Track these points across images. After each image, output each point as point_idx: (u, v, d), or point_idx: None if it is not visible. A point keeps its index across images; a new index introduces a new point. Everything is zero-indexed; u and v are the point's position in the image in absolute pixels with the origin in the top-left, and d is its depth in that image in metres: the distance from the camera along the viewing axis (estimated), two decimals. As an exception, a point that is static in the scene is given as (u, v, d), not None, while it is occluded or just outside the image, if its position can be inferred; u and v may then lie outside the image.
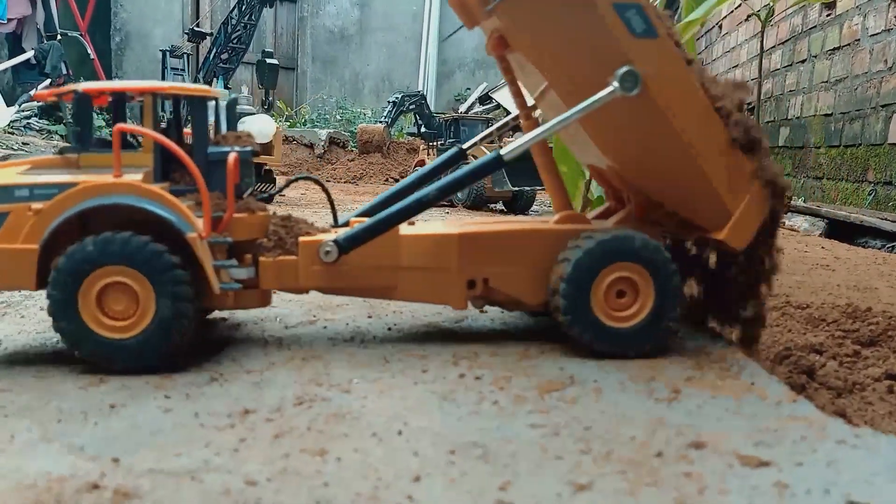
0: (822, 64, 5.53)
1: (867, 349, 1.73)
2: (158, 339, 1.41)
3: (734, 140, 1.51)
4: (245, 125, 5.62)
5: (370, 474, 1.00)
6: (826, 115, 5.44)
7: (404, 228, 1.62)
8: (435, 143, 7.55)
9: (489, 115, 9.24)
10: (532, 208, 6.65)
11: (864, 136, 4.84)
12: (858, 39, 4.96)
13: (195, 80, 8.22)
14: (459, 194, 6.57)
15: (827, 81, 5.44)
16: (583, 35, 1.48)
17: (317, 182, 1.87)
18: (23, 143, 6.61)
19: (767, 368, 1.50)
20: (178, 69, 8.56)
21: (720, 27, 8.35)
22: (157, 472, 1.00)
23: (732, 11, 7.63)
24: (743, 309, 1.64)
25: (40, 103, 7.47)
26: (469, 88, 13.34)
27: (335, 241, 1.56)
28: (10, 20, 9.20)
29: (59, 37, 9.24)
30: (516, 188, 6.23)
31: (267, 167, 6.05)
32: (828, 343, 1.76)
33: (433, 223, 1.81)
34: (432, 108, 10.01)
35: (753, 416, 1.22)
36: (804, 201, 5.42)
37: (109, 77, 11.13)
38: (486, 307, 1.74)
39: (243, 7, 7.89)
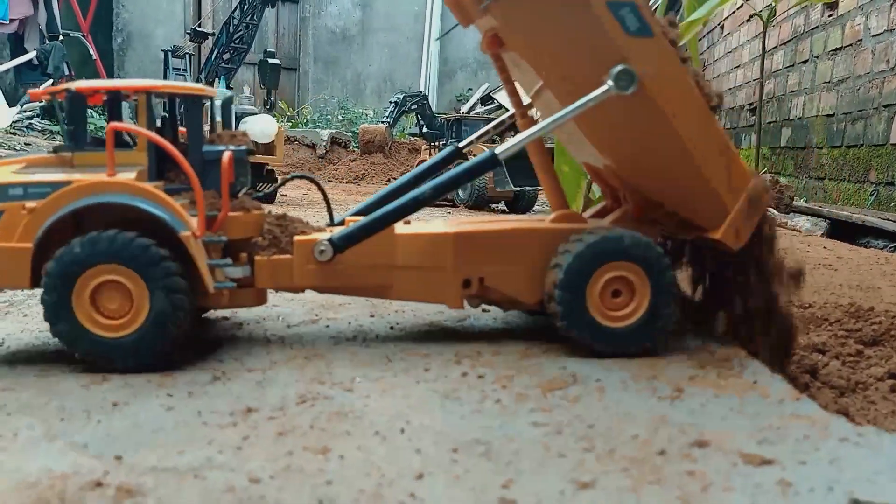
0: (824, 64, 5.53)
1: (870, 348, 1.73)
2: (156, 334, 1.41)
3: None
4: (247, 125, 5.64)
5: (373, 472, 1.00)
6: (828, 115, 5.44)
7: (400, 227, 1.62)
8: (437, 144, 7.56)
9: (491, 116, 9.24)
10: (534, 208, 6.65)
11: (866, 136, 4.84)
12: (860, 40, 4.96)
13: (197, 80, 8.22)
14: (461, 194, 6.58)
15: (829, 82, 5.43)
16: (577, 33, 1.48)
17: (312, 181, 1.87)
18: (25, 144, 6.62)
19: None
20: (180, 69, 8.56)
21: (722, 28, 8.35)
22: (159, 469, 1.00)
23: (734, 12, 7.63)
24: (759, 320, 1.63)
25: (42, 104, 7.48)
26: (471, 89, 13.35)
27: (330, 240, 1.56)
28: (12, 21, 9.22)
29: (61, 37, 9.25)
30: (518, 188, 6.23)
31: (269, 167, 6.05)
32: (830, 342, 1.76)
33: (433, 222, 1.81)
34: (434, 109, 10.02)
35: (756, 414, 1.22)
36: (806, 201, 5.41)
37: (111, 77, 11.14)
38: (489, 306, 1.74)
39: (245, 7, 7.89)
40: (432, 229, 1.65)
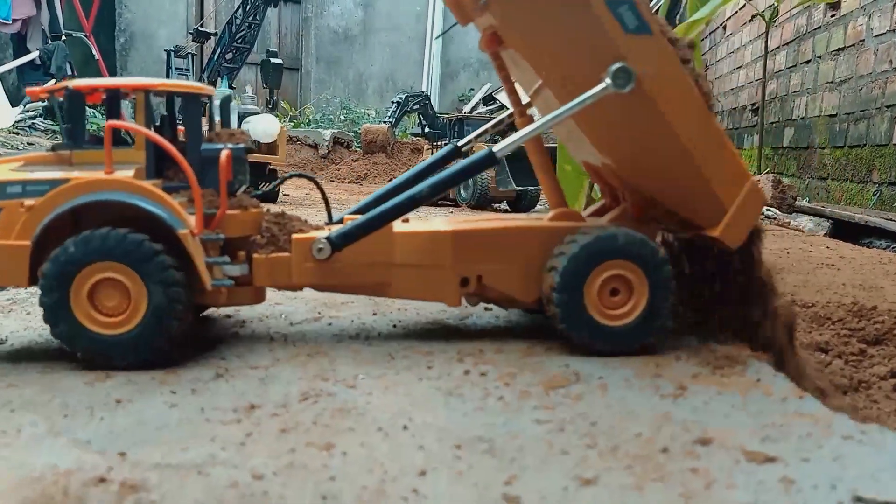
0: (826, 64, 5.52)
1: (873, 347, 1.73)
2: (155, 329, 1.41)
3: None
4: (249, 125, 5.64)
5: (376, 468, 1.00)
6: (831, 115, 5.43)
7: (398, 225, 1.62)
8: (439, 143, 7.56)
9: (493, 116, 9.22)
10: (536, 208, 6.64)
11: (868, 136, 4.84)
12: (863, 40, 4.96)
13: (200, 80, 8.23)
14: (464, 194, 6.58)
15: (831, 82, 5.43)
16: (575, 30, 1.48)
17: (310, 179, 1.87)
18: (28, 143, 6.63)
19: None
20: (182, 69, 8.57)
21: (724, 28, 8.35)
22: (163, 466, 1.00)
23: (737, 12, 7.63)
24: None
25: (44, 103, 7.49)
26: (473, 89, 13.35)
27: (328, 238, 1.56)
28: (14, 21, 9.23)
29: (63, 37, 9.27)
30: (520, 187, 6.23)
31: (271, 167, 6.05)
32: (833, 341, 1.76)
33: (434, 220, 1.81)
34: (436, 109, 10.02)
35: (759, 412, 1.22)
36: (809, 202, 5.41)
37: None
38: (491, 305, 1.74)
39: (247, 7, 7.90)
40: (430, 227, 1.65)
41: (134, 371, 1.40)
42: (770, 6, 5.93)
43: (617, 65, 1.44)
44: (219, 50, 8.18)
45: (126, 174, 1.45)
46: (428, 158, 1.96)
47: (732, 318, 1.65)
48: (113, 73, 11.36)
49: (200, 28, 9.47)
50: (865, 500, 0.92)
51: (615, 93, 1.45)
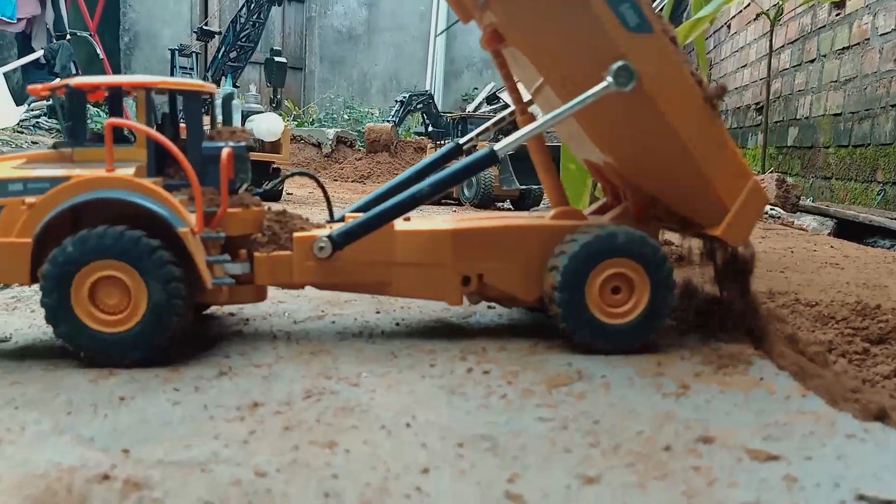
0: (831, 63, 5.51)
1: (876, 347, 1.72)
2: (156, 326, 1.42)
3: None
4: (253, 123, 5.64)
5: (379, 466, 1.00)
6: (835, 114, 5.42)
7: (399, 224, 1.62)
8: (442, 142, 7.55)
9: (496, 115, 9.21)
10: (539, 206, 6.64)
11: (873, 135, 4.83)
12: (868, 39, 4.94)
13: (204, 79, 8.23)
14: (467, 192, 6.58)
15: (836, 81, 5.42)
16: (576, 29, 1.47)
17: (312, 177, 1.87)
18: (32, 142, 6.64)
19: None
20: (186, 68, 8.57)
21: (729, 27, 8.33)
22: (166, 463, 1.00)
23: (741, 11, 7.61)
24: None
25: (49, 102, 7.50)
26: (476, 88, 13.33)
27: (329, 237, 1.56)
28: (19, 20, 9.25)
29: (68, 36, 9.26)
30: (524, 186, 6.22)
31: (275, 166, 6.05)
32: (837, 340, 1.75)
33: (436, 218, 1.81)
34: (440, 108, 10.01)
35: (762, 410, 1.22)
36: (813, 201, 5.40)
37: (118, 76, 11.13)
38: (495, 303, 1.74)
39: (251, 6, 7.90)
40: (431, 226, 1.65)
41: (137, 369, 1.40)
42: (775, 5, 5.92)
43: (618, 63, 1.44)
44: (223, 49, 8.18)
45: (127, 172, 1.45)
46: (429, 156, 1.96)
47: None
48: (117, 73, 11.37)
49: (204, 27, 9.46)
50: (868, 499, 0.92)
51: (617, 91, 1.45)
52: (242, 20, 7.99)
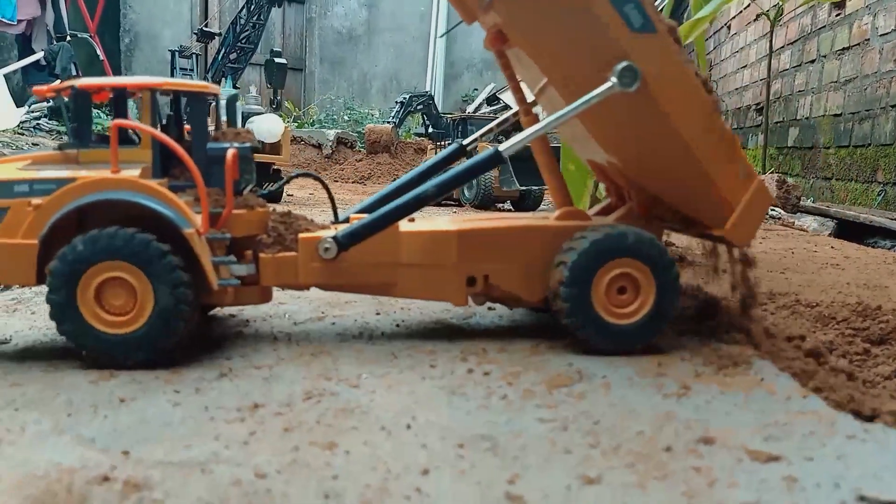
0: (831, 64, 5.51)
1: (877, 347, 1.72)
2: (161, 329, 1.42)
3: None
4: (253, 125, 5.64)
5: (379, 467, 1.00)
6: (835, 115, 5.42)
7: (404, 225, 1.62)
8: (442, 143, 7.55)
9: (497, 116, 9.21)
10: (540, 208, 6.64)
11: (873, 136, 4.82)
12: (868, 39, 4.94)
13: (204, 80, 8.23)
14: (467, 193, 6.57)
15: (836, 81, 5.42)
16: (580, 30, 1.47)
17: (316, 178, 1.87)
18: (33, 144, 6.64)
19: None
20: (186, 69, 8.57)
21: (729, 27, 8.33)
22: (166, 464, 1.00)
23: (741, 12, 7.61)
24: None
25: (50, 104, 7.50)
26: (476, 89, 13.33)
27: (334, 238, 1.56)
28: (19, 21, 9.24)
29: (68, 38, 9.27)
30: (524, 187, 6.22)
31: (275, 167, 6.05)
32: (838, 341, 1.75)
33: (438, 219, 1.81)
34: (440, 109, 10.01)
35: (762, 411, 1.22)
36: (813, 201, 5.40)
37: (118, 78, 11.13)
38: (495, 304, 1.74)
39: (252, 7, 7.91)
40: (437, 227, 1.65)
41: (138, 370, 1.40)
42: (775, 5, 5.92)
43: (623, 63, 1.44)
44: (223, 50, 8.18)
45: (132, 173, 1.45)
46: (432, 158, 1.96)
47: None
48: (117, 74, 11.37)
49: (205, 28, 9.47)
50: (869, 499, 0.92)
51: (621, 92, 1.45)
52: (242, 21, 8.00)
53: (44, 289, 1.43)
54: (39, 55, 8.87)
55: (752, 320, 1.65)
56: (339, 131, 10.87)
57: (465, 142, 1.95)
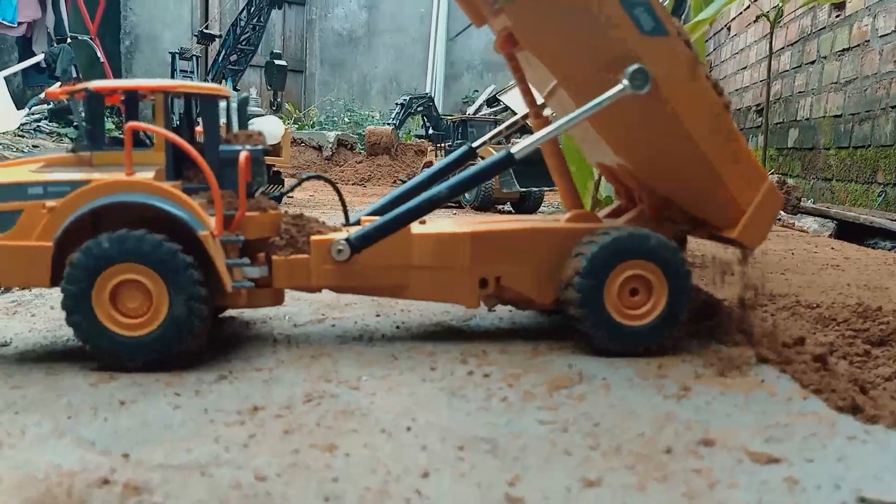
0: (831, 65, 5.51)
1: (877, 348, 1.72)
2: (171, 338, 1.42)
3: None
4: (254, 126, 5.64)
5: (379, 469, 1.00)
6: (835, 116, 5.42)
7: (416, 227, 1.62)
8: (443, 145, 7.55)
9: (497, 118, 9.22)
10: (540, 209, 6.64)
11: (873, 137, 4.82)
12: (868, 40, 4.94)
13: (204, 82, 8.22)
14: (467, 195, 6.57)
15: (836, 82, 5.42)
16: (591, 33, 1.48)
17: (327, 181, 1.87)
18: (33, 146, 6.64)
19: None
20: (187, 71, 8.57)
21: (729, 29, 8.33)
22: (166, 466, 1.00)
23: (741, 13, 7.62)
24: None
25: (51, 106, 7.50)
26: (477, 91, 13.34)
27: (347, 240, 1.56)
28: (20, 24, 9.25)
29: (69, 40, 9.28)
30: (524, 189, 6.22)
31: (275, 168, 6.05)
32: (838, 342, 1.75)
33: (443, 222, 1.81)
34: (440, 110, 10.01)
35: (763, 412, 1.22)
36: (814, 202, 5.40)
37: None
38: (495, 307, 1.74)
39: (252, 9, 7.91)
40: (449, 229, 1.65)
41: (138, 373, 1.40)
42: (775, 7, 5.91)
43: (634, 66, 1.44)
44: (223, 52, 8.18)
45: (146, 176, 1.45)
46: (442, 160, 1.96)
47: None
48: (118, 76, 11.37)
49: (205, 30, 9.48)
50: (869, 501, 0.92)
51: (632, 94, 1.45)
52: (242, 23, 8.00)
53: (43, 292, 1.43)
54: (40, 57, 8.88)
55: (752, 321, 1.65)
56: (340, 133, 10.88)
57: (476, 144, 1.95)
